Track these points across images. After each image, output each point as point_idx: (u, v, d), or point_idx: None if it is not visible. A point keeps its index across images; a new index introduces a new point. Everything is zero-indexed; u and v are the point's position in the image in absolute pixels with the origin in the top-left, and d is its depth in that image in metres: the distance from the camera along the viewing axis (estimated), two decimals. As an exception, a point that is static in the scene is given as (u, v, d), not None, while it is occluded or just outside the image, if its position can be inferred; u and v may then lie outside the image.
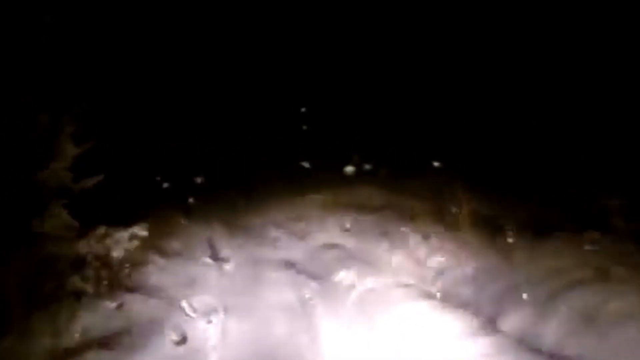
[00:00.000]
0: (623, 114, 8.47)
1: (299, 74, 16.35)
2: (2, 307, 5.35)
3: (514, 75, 11.29)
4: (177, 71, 14.19)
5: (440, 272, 6.79)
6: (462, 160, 11.03)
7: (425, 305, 6.12)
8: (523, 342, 5.19)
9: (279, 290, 7.56)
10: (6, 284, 5.33)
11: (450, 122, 12.47)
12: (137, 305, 6.44)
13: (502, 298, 5.76)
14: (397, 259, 7.65)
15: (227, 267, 9.15)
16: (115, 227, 6.40)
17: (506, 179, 7.72)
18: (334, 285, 7.29)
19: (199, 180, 13.66)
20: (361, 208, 10.70)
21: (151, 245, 7.53)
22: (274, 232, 11.28)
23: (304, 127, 16.98)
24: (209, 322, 6.60)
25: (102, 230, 6.08)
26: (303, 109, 17.19)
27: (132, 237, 6.47)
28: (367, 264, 7.82)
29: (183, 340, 6.16)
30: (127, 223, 6.64)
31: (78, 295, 5.58)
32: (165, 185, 10.07)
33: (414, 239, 7.90)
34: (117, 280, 6.24)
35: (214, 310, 6.92)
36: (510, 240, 6.49)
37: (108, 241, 6.13)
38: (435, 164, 12.10)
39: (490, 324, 5.50)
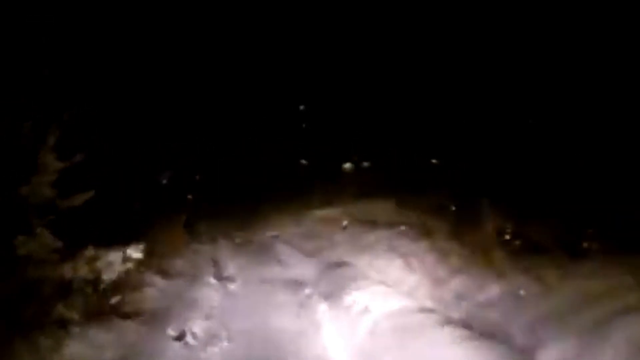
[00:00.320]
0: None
1: (297, 72, 16.11)
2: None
3: (516, 76, 10.76)
4: (176, 71, 13.81)
5: (462, 295, 6.01)
6: (461, 159, 10.58)
7: (448, 334, 5.34)
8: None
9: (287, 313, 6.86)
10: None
11: (450, 121, 12.03)
12: (131, 334, 5.72)
13: (538, 326, 4.99)
14: (414, 279, 6.90)
15: (232, 287, 8.45)
16: (106, 248, 5.70)
17: (531, 192, 6.96)
18: (347, 309, 6.54)
19: (198, 179, 13.22)
20: (372, 222, 10.00)
21: (149, 265, 6.84)
22: (280, 249, 10.62)
23: (303, 125, 16.78)
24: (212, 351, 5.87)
25: (91, 252, 5.36)
26: (302, 107, 17.02)
27: (126, 259, 5.76)
28: (380, 284, 7.08)
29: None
30: (120, 243, 5.96)
31: (63, 324, 4.86)
32: (165, 186, 9.52)
33: (431, 257, 7.15)
34: (108, 306, 5.52)
35: (217, 337, 6.19)
36: (540, 259, 5.71)
37: (98, 264, 5.42)
38: (434, 161, 11.66)
39: (526, 357, 4.71)
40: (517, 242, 6.18)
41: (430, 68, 13.23)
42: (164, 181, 10.67)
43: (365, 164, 13.77)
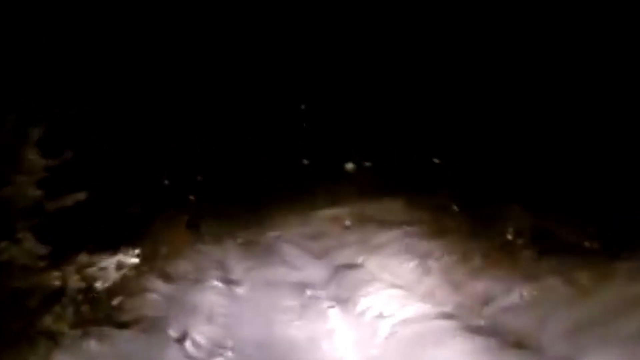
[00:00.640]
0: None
1: (298, 72, 15.88)
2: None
3: (516, 76, 10.32)
4: (176, 71, 13.47)
5: (485, 300, 5.44)
6: (461, 159, 10.12)
7: (471, 342, 4.77)
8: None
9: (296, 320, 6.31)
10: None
11: (452, 120, 11.42)
12: (128, 344, 5.16)
13: (574, 334, 4.42)
14: (431, 281, 6.33)
15: (239, 291, 7.92)
16: (100, 254, 5.14)
17: (558, 189, 6.37)
18: (360, 316, 5.99)
19: (199, 179, 12.87)
20: (382, 221, 9.45)
21: (147, 269, 6.29)
22: (287, 250, 10.10)
23: (304, 125, 16.56)
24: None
25: (83, 258, 4.81)
26: (303, 107, 16.82)
27: (122, 264, 5.21)
28: (394, 287, 6.52)
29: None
30: (115, 247, 5.41)
31: (52, 336, 4.32)
32: (166, 187, 9.04)
33: (448, 258, 6.58)
34: (103, 315, 4.98)
35: (222, 347, 5.64)
36: (571, 259, 5.13)
37: (91, 271, 4.87)
38: (435, 160, 11.23)
39: (565, 370, 4.14)
40: (544, 241, 5.60)
41: (431, 67, 12.81)
42: (165, 181, 10.23)
43: (367, 163, 13.46)
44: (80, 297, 4.71)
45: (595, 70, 8.38)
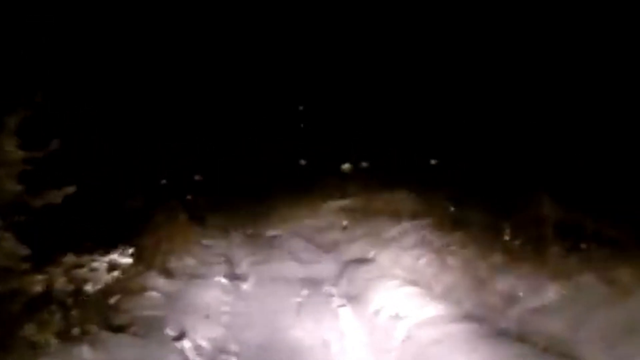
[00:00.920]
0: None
1: (296, 73, 15.98)
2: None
3: (517, 76, 10.17)
4: (175, 71, 13.17)
5: (512, 299, 4.92)
6: (461, 159, 9.92)
7: (498, 347, 4.27)
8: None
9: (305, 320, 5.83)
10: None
11: (450, 120, 11.57)
12: (123, 349, 4.69)
13: (614, 339, 3.91)
14: (450, 278, 5.81)
15: (245, 287, 7.44)
16: (90, 254, 4.67)
17: (591, 175, 5.81)
18: (374, 316, 5.49)
19: (197, 179, 12.66)
20: (394, 214, 8.91)
21: (143, 268, 5.79)
22: (294, 244, 9.61)
23: (302, 126, 16.45)
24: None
25: (71, 258, 4.33)
26: (301, 107, 16.74)
27: (115, 264, 4.73)
28: (410, 284, 6.01)
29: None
30: (108, 246, 4.92)
31: (36, 344, 3.86)
32: (164, 185, 8.64)
33: (468, 252, 6.06)
34: (96, 318, 4.50)
35: (225, 352, 5.17)
36: (610, 256, 4.60)
37: (81, 272, 4.40)
38: (432, 162, 11.29)
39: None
40: (574, 235, 5.06)
41: (429, 68, 12.80)
42: (163, 181, 9.86)
43: (364, 164, 13.24)
44: (69, 300, 4.24)
45: (593, 73, 8.08)
